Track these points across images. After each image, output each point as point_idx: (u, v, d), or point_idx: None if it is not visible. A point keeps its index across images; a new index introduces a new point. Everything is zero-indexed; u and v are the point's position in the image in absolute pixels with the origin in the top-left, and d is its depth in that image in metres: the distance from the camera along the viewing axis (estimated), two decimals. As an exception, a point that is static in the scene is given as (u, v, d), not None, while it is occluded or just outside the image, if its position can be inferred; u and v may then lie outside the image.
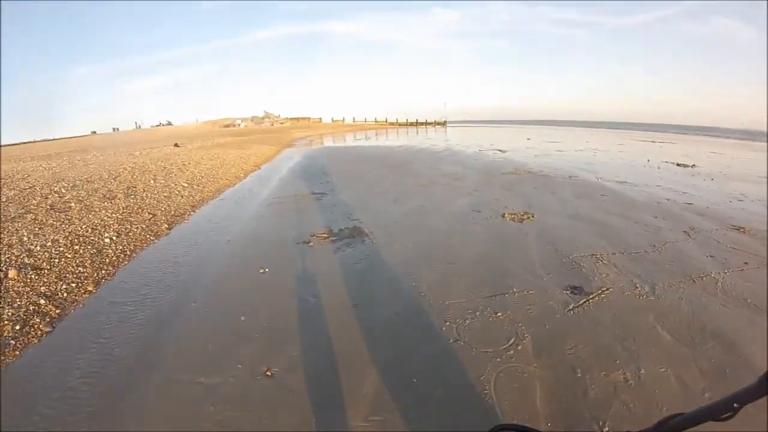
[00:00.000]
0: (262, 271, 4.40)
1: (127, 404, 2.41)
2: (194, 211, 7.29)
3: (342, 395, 2.43)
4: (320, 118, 62.77)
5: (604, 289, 3.69)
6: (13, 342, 3.23)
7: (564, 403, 2.31)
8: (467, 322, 3.20)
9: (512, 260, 4.45)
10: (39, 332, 3.32)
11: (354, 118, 60.44)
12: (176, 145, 18.64)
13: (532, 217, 6.14)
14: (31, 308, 3.60)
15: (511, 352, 2.79)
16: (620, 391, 2.37)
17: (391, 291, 3.85)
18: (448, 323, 3.19)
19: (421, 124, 57.52)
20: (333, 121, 60.96)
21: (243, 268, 4.55)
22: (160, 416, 2.31)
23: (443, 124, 58.49)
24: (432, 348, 2.90)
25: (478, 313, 3.31)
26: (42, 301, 3.71)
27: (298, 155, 16.11)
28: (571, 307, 3.38)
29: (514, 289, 3.72)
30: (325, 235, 5.55)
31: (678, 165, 12.49)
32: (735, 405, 0.73)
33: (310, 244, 5.24)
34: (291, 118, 64.46)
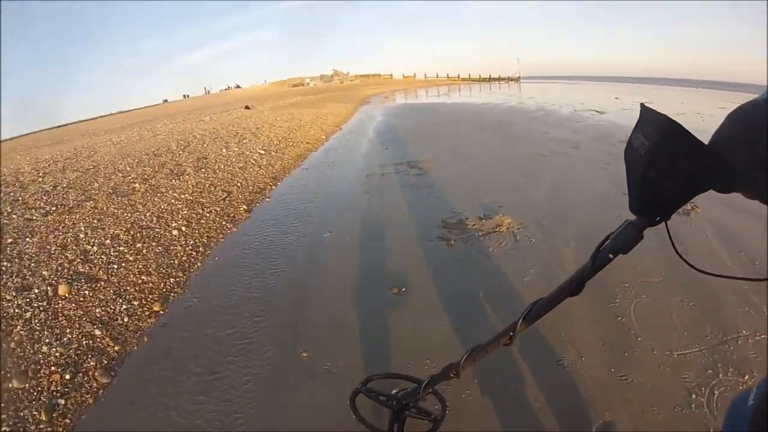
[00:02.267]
0: (395, 291, 3.07)
1: None
2: (275, 185, 6.12)
3: None
4: (391, 75, 60.99)
5: None
6: (63, 402, 2.15)
7: None
8: None
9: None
10: (94, 385, 2.33)
11: (426, 74, 58.45)
12: (247, 107, 17.64)
13: (696, 208, 4.35)
14: (84, 343, 2.64)
15: None
16: None
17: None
18: None
19: (494, 79, 54.87)
20: (404, 77, 59.02)
21: (364, 284, 3.23)
22: None
23: (516, 79, 55.19)
24: None
25: None
26: (97, 332, 2.73)
27: (378, 113, 14.57)
28: None
29: None
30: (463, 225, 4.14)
31: None
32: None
33: (451, 242, 3.84)
34: (360, 75, 63.12)
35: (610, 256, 0.75)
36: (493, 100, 19.15)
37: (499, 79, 55.22)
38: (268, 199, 5.46)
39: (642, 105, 0.67)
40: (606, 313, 2.63)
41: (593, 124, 11.20)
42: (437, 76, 57.97)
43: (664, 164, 0.57)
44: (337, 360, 2.37)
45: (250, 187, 5.80)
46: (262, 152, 7.96)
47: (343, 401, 1.70)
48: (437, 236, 3.97)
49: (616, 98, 23.36)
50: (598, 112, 14.48)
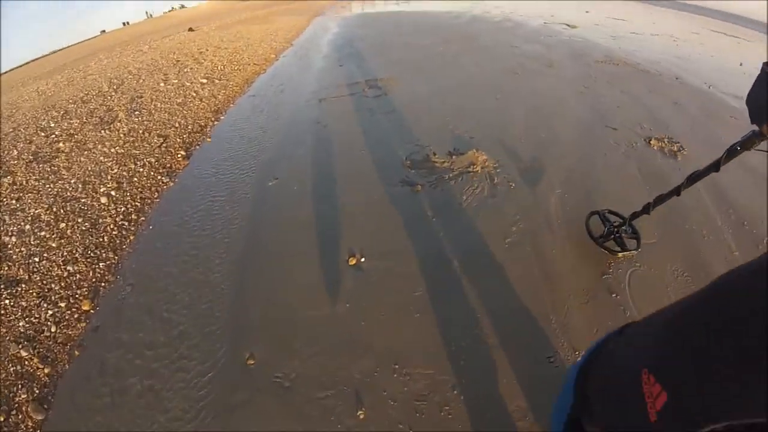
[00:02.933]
0: (353, 261, 2.51)
1: None
2: (218, 120, 5.33)
3: None
4: None
5: None
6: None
7: None
8: None
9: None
10: (30, 424, 2.01)
11: None
12: (191, 29, 15.33)
13: (683, 150, 3.96)
14: (11, 370, 2.26)
15: None
16: None
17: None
18: None
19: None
20: None
21: (317, 252, 2.66)
22: None
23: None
24: None
25: None
26: (24, 353, 2.35)
27: (333, 25, 12.98)
28: None
29: None
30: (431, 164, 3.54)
31: None
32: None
33: (417, 188, 3.26)
34: None
35: (737, 148, 1.37)
36: (454, 9, 17.60)
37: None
38: (208, 140, 4.78)
39: (764, 63, 1.09)
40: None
41: (566, 39, 10.37)
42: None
43: (761, 101, 1.08)
44: (289, 371, 2.07)
45: (189, 126, 5.10)
46: (204, 81, 7.00)
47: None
48: (401, 180, 3.41)
49: (587, 12, 22.19)
50: (569, 26, 13.53)
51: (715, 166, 1.51)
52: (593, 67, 7.40)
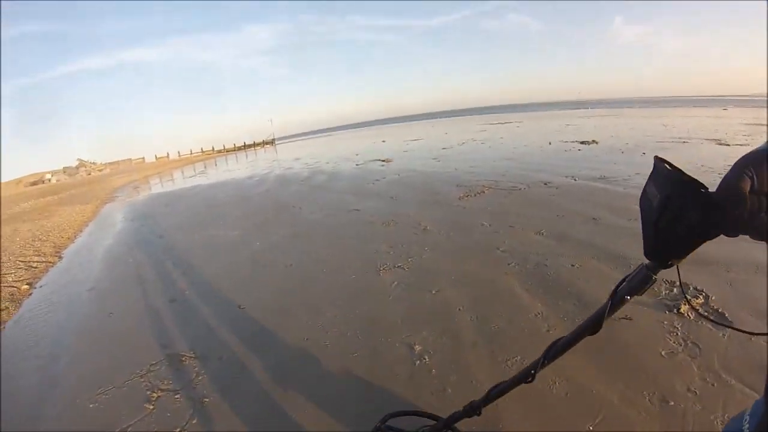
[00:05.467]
0: None
1: None
2: None
3: None
4: (143, 158, 52.17)
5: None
6: None
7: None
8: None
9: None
10: None
11: (179, 153, 51.76)
12: None
13: None
14: None
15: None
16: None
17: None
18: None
19: (249, 146, 51.89)
20: (157, 158, 50.91)
21: None
22: None
23: (272, 142, 53.33)
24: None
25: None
26: None
27: (121, 215, 8.90)
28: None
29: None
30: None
31: (581, 143, 11.23)
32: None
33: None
34: (110, 163, 52.15)
35: (627, 297, 0.78)
36: (256, 171, 15.47)
37: (254, 144, 52.72)
38: None
39: (656, 157, 0.68)
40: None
41: (395, 178, 8.82)
42: (191, 153, 52.53)
43: (674, 214, 0.61)
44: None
45: None
46: None
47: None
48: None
49: (383, 141, 22.74)
50: (384, 161, 12.37)
51: (593, 327, 0.84)
52: (458, 211, 5.36)
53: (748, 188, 0.53)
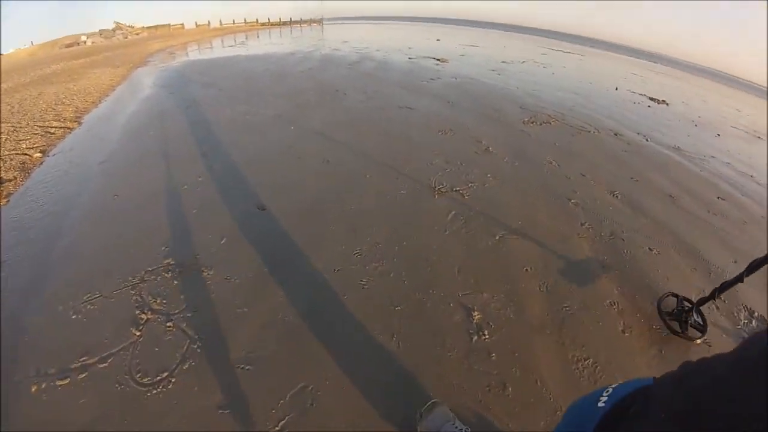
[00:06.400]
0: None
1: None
2: None
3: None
4: (182, 24, 50.45)
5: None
6: None
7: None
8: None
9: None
10: None
11: (221, 21, 49.60)
12: None
13: None
14: None
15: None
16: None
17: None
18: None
19: (296, 22, 49.03)
20: (197, 25, 49.15)
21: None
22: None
23: (319, 22, 50.01)
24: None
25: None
26: None
27: (150, 81, 8.33)
28: None
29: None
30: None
31: (650, 99, 9.63)
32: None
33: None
34: (148, 27, 50.67)
35: None
36: (300, 48, 14.22)
37: (300, 22, 49.74)
38: None
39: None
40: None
41: (452, 82, 7.82)
42: (234, 23, 50.24)
43: None
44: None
45: None
46: None
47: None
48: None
49: (438, 40, 20.74)
50: (439, 60, 11.08)
51: None
52: (523, 133, 4.51)
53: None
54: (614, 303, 2.09)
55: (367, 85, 6.88)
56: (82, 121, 5.41)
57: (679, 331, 1.99)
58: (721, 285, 1.92)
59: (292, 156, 3.65)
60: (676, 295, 2.21)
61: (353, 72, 8.44)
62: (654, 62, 36.12)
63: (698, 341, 1.96)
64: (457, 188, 3.09)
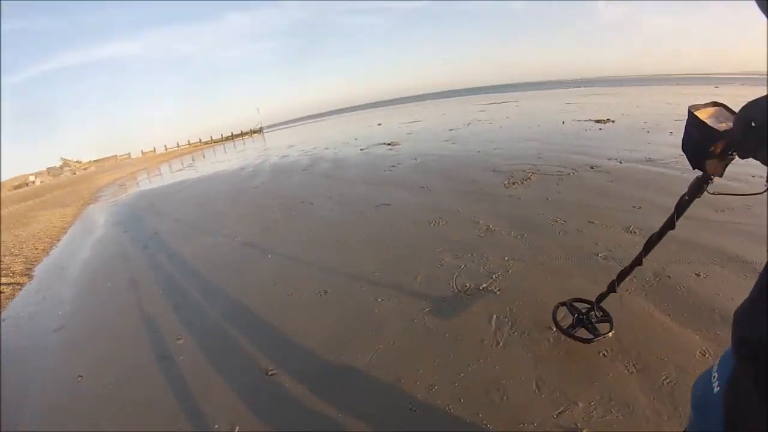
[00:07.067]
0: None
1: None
2: None
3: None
4: (128, 154, 51.00)
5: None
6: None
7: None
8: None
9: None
10: None
11: (166, 146, 50.49)
12: None
13: None
14: None
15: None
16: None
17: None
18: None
19: (237, 136, 50.88)
20: (143, 153, 49.62)
21: None
22: None
23: (259, 131, 51.90)
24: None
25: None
26: None
27: (103, 219, 7.73)
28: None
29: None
30: None
31: (596, 122, 10.31)
32: None
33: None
34: (95, 161, 50.77)
35: (686, 197, 1.25)
36: (248, 161, 14.27)
37: (242, 134, 51.66)
38: None
39: (689, 107, 0.99)
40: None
41: (414, 164, 7.87)
42: (178, 146, 51.41)
43: (695, 143, 0.98)
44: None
45: None
46: None
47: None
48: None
49: (379, 124, 21.62)
50: (389, 144, 11.35)
51: (670, 225, 1.38)
52: (517, 197, 4.40)
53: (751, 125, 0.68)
54: (704, 351, 1.85)
55: (331, 189, 6.72)
56: (33, 274, 4.94)
57: (592, 336, 1.92)
58: (619, 274, 1.78)
59: (282, 294, 3.19)
60: (564, 303, 2.15)
61: (310, 177, 8.35)
62: (577, 86, 39.52)
63: (610, 334, 1.93)
64: (483, 285, 2.76)
